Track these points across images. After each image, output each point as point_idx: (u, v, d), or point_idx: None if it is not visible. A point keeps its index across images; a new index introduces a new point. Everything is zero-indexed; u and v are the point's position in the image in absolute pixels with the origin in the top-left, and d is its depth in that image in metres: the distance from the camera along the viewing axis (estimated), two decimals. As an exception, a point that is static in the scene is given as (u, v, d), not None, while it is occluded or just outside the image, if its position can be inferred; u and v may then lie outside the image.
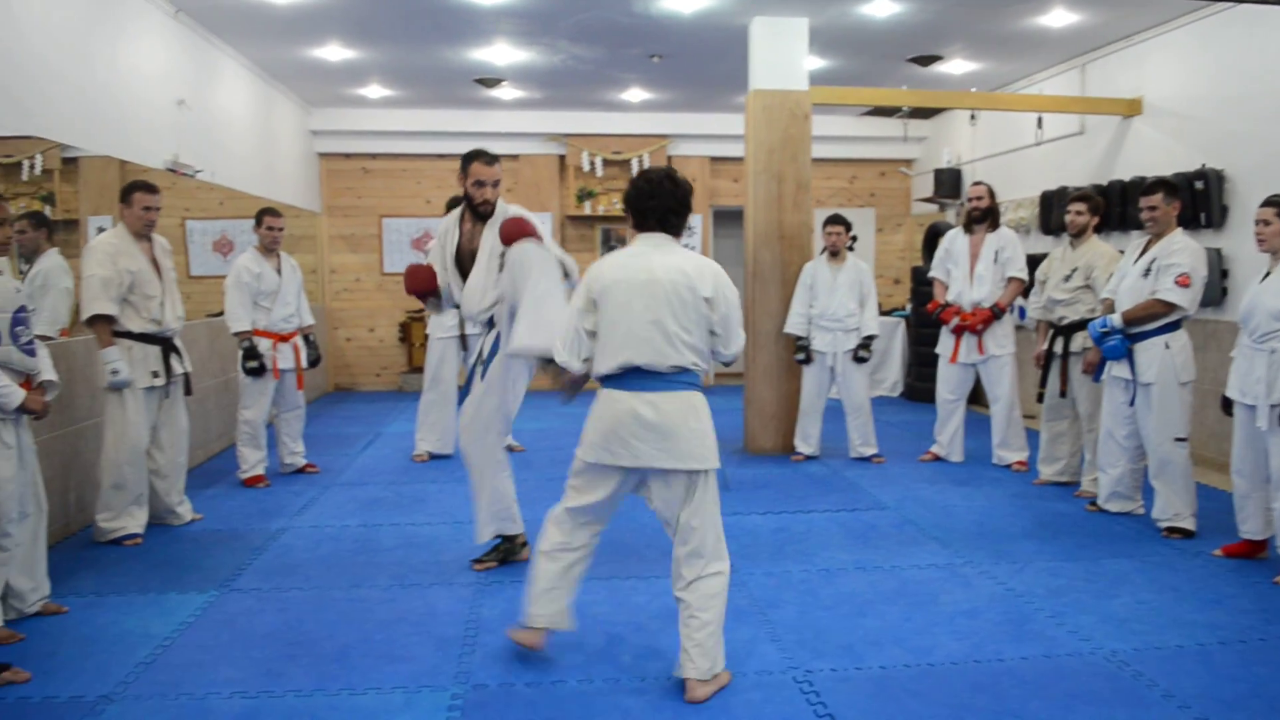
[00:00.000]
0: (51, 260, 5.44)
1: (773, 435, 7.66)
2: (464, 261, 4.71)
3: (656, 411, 3.34)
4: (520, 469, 5.42)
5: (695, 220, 11.78)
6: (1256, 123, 6.77)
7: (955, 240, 7.20)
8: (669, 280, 3.32)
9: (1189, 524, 5.27)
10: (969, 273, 7.03)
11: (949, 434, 7.27)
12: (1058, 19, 7.59)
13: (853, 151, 12.22)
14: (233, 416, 7.35)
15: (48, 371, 4.07)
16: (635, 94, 10.67)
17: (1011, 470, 6.94)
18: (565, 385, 3.64)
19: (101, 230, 6.02)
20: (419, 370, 10.80)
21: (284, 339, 6.63)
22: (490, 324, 4.70)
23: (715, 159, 12.11)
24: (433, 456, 7.44)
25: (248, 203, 8.31)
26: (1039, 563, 4.87)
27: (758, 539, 5.33)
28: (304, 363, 6.76)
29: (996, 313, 6.90)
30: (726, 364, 3.61)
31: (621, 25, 7.79)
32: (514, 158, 11.36)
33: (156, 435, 5.40)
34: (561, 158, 11.83)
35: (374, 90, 10.34)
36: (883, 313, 11.07)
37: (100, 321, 5.09)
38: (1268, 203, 4.68)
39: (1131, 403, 5.36)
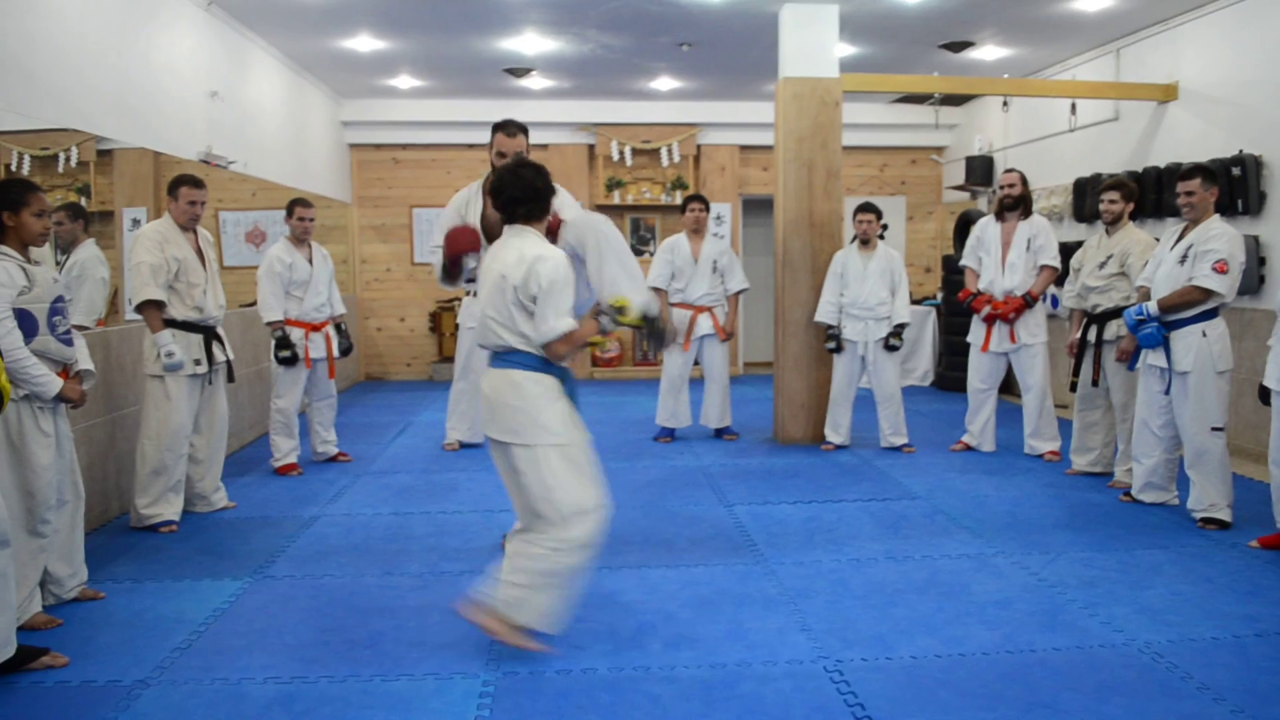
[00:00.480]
0: (88, 251, 5.51)
1: (803, 425, 7.63)
2: (489, 232, 4.67)
3: (488, 385, 3.65)
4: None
5: (724, 209, 11.75)
6: (1296, 107, 6.66)
7: (987, 228, 7.14)
8: (497, 269, 3.59)
9: (1225, 515, 5.20)
10: (1001, 261, 6.97)
11: (980, 423, 7.22)
12: (1092, 3, 7.49)
13: (883, 139, 12.13)
14: (265, 406, 7.43)
15: (84, 361, 4.12)
16: (664, 83, 10.64)
17: (1044, 460, 6.88)
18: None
19: (136, 222, 6.10)
20: (449, 360, 10.86)
21: (316, 328, 6.68)
22: None
23: (745, 147, 12.05)
24: (463, 445, 7.48)
25: (279, 194, 8.37)
26: (1072, 553, 4.83)
27: (788, 528, 5.32)
28: (336, 352, 6.81)
29: (1029, 301, 6.84)
30: (541, 346, 3.54)
31: (650, 13, 7.77)
32: (543, 147, 11.35)
33: (196, 422, 5.47)
34: (590, 147, 11.83)
35: (404, 81, 10.38)
36: (913, 302, 11.00)
37: (150, 306, 5.16)
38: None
39: (1167, 391, 5.30)
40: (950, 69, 9.61)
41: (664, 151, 11.71)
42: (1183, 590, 4.29)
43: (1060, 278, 6.88)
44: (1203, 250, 5.11)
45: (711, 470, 6.73)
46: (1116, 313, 5.93)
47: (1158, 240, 5.78)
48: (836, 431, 7.39)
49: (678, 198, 11.49)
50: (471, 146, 11.57)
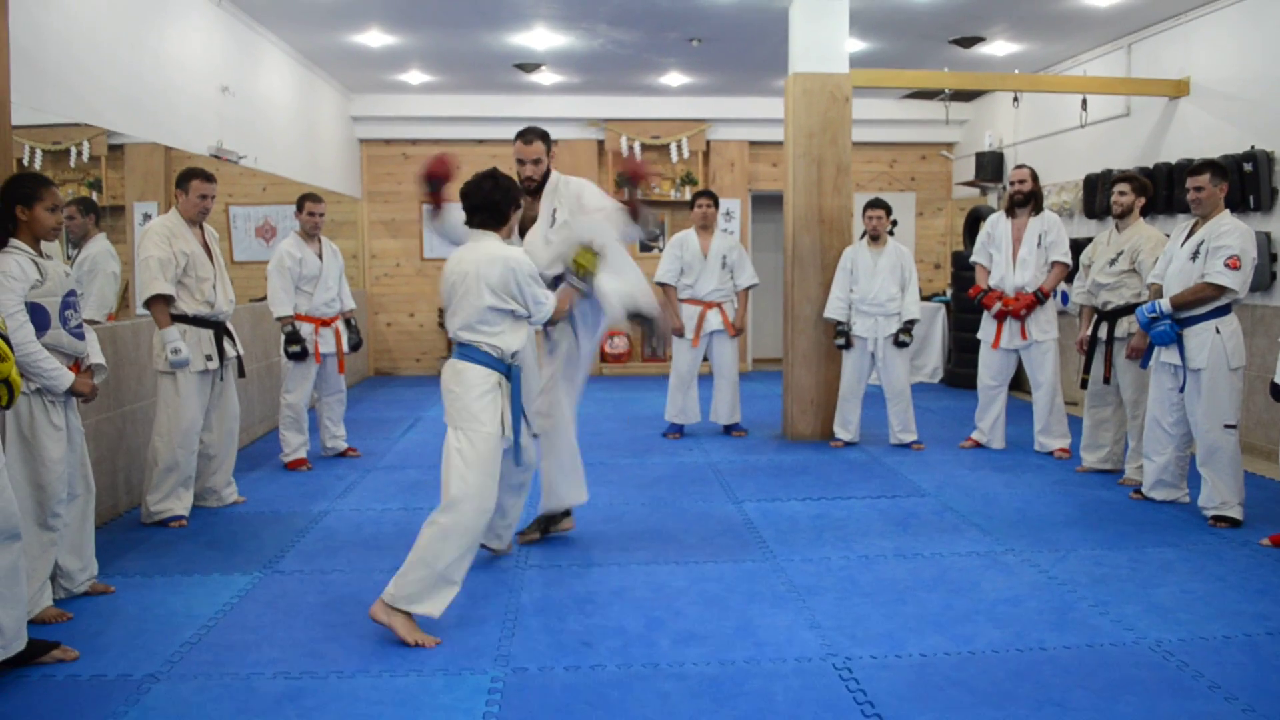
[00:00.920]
0: (99, 245, 5.53)
1: (812, 421, 7.62)
2: (520, 227, 4.76)
3: (443, 374, 4.01)
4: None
5: (734, 205, 11.74)
6: (1310, 103, 6.62)
7: (997, 224, 7.12)
8: (466, 268, 3.92)
9: (1236, 513, 5.18)
10: (1011, 257, 6.95)
11: (990, 420, 7.20)
12: (1104, -2, 7.46)
13: (893, 135, 12.10)
14: (275, 401, 7.45)
15: (96, 355, 4.14)
16: (674, 78, 10.62)
17: (1054, 457, 6.86)
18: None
19: (147, 216, 6.11)
20: (458, 355, 10.84)
21: (325, 323, 6.68)
22: (557, 282, 4.66)
23: (754, 143, 12.04)
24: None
25: (289, 188, 8.39)
26: (1082, 550, 4.82)
27: (796, 525, 5.31)
28: (345, 347, 6.82)
29: (1039, 297, 6.82)
30: (538, 326, 4.20)
31: (660, 9, 7.76)
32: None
33: (207, 418, 5.47)
34: (600, 143, 11.83)
35: (414, 76, 10.38)
36: (923, 298, 10.95)
37: (158, 301, 5.14)
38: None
39: (1181, 389, 5.28)
40: (961, 64, 9.58)
41: (673, 147, 11.70)
42: (1194, 588, 4.27)
43: (1070, 274, 6.85)
44: (1215, 246, 5.08)
45: (720, 466, 6.73)
46: (1127, 309, 5.90)
47: (1168, 236, 5.75)
48: (846, 428, 7.38)
49: (687, 193, 11.47)
50: (482, 142, 11.56)
